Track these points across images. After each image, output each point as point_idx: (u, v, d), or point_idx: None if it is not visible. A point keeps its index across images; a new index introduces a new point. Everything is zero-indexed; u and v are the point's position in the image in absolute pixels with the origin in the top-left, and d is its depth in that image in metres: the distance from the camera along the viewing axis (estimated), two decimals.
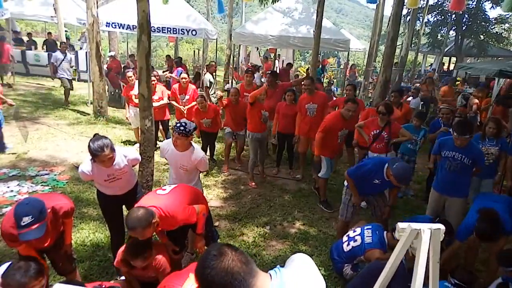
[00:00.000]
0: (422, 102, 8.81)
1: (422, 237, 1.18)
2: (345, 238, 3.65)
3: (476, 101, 8.35)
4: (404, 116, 6.38)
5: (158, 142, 6.80)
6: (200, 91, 8.07)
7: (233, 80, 13.48)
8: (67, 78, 9.72)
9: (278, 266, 1.37)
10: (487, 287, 3.42)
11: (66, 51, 10.02)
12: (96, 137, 2.94)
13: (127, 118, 7.23)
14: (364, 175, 3.83)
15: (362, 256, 3.41)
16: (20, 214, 2.19)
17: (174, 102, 6.59)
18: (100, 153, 2.82)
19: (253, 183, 5.81)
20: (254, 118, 5.70)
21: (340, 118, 4.83)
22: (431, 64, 24.02)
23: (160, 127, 7.11)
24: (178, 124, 3.35)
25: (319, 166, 5.17)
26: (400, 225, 1.21)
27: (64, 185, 5.30)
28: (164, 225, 2.81)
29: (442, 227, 1.19)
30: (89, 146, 2.86)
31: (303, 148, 6.15)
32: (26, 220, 2.18)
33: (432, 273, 1.25)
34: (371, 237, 3.44)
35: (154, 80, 6.13)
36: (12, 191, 4.95)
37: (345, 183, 4.11)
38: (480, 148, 4.19)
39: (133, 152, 3.35)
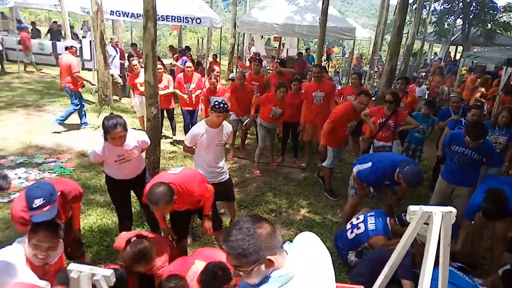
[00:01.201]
0: (427, 91, 8.74)
1: (433, 220, 1.18)
2: (348, 226, 3.67)
3: (482, 89, 8.26)
4: (410, 104, 6.34)
5: (163, 131, 6.83)
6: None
7: (238, 69, 13.41)
8: (119, 75, 9.64)
9: (287, 242, 1.39)
10: (491, 274, 3.44)
11: (117, 46, 9.92)
12: (111, 115, 3.04)
13: (132, 106, 7.24)
14: (375, 180, 3.83)
15: (366, 243, 3.42)
16: (31, 197, 2.22)
17: (178, 91, 6.57)
18: (114, 129, 2.91)
19: (258, 171, 5.82)
20: (265, 108, 5.65)
21: (351, 109, 4.78)
22: (436, 53, 23.72)
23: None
24: (217, 103, 3.42)
25: (325, 156, 5.16)
26: (412, 208, 1.21)
27: (71, 172, 5.34)
28: (180, 202, 2.83)
29: (453, 210, 1.19)
30: (103, 123, 2.96)
31: (308, 137, 6.14)
32: (38, 202, 2.20)
33: (442, 256, 1.25)
34: (374, 224, 3.45)
35: (160, 68, 6.11)
36: (20, 178, 5.00)
37: (351, 181, 4.11)
38: (491, 144, 4.09)
39: (144, 135, 3.39)
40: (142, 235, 2.80)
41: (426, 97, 8.38)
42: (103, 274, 1.10)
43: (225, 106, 3.44)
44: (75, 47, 7.33)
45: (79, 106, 7.14)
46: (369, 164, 3.82)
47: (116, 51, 9.66)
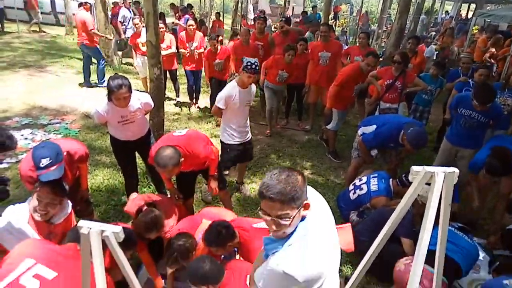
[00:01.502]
0: (437, 52, 8.49)
1: (435, 180, 1.19)
2: (351, 187, 3.72)
3: (493, 49, 8.01)
4: (418, 65, 6.19)
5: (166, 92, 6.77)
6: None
7: (241, 28, 13.01)
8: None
9: None
10: (491, 234, 3.53)
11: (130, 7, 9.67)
12: (116, 75, 3.03)
13: (134, 67, 7.14)
14: (380, 143, 3.81)
15: (368, 203, 3.48)
16: (38, 157, 2.25)
17: (182, 50, 6.45)
18: (118, 90, 2.89)
19: (268, 131, 5.85)
20: (272, 71, 5.54)
21: (358, 71, 4.67)
22: (447, 12, 22.77)
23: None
24: (249, 64, 3.41)
25: (330, 118, 5.13)
26: (414, 168, 1.22)
27: (76, 133, 5.38)
28: (186, 164, 2.87)
29: (456, 170, 1.20)
30: (108, 83, 2.94)
31: (313, 99, 6.07)
32: (45, 162, 2.24)
33: (442, 216, 1.28)
34: (377, 185, 3.49)
35: (162, 28, 5.95)
36: (26, 139, 5.05)
37: (355, 144, 4.10)
38: (499, 106, 3.99)
39: (147, 97, 3.37)
40: (152, 203, 2.85)
41: (435, 57, 8.16)
42: (113, 231, 1.14)
43: (257, 67, 3.43)
44: (89, 3, 7.25)
45: (105, 60, 7.30)
46: (374, 126, 3.81)
47: (131, 12, 9.38)
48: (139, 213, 2.71)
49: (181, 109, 6.78)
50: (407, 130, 3.47)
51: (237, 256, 2.74)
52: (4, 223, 2.18)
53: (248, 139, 3.90)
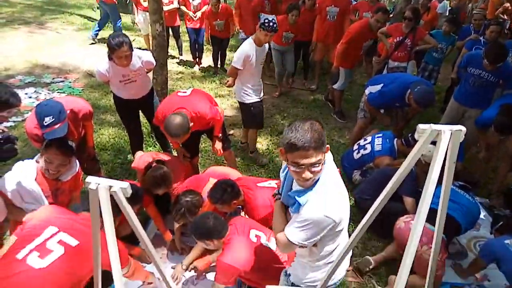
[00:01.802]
0: (450, 8, 8.11)
1: (442, 138, 1.18)
2: (355, 147, 3.73)
3: (507, 4, 7.62)
4: (430, 22, 5.96)
5: (169, 50, 6.63)
6: None
7: None
8: None
9: None
10: (494, 193, 3.57)
11: None
12: (116, 33, 2.96)
13: (136, 24, 6.95)
14: (386, 102, 3.74)
15: (371, 163, 3.51)
16: (41, 115, 2.27)
17: (184, 8, 6.22)
18: (119, 48, 2.82)
19: (277, 93, 5.79)
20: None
21: (367, 28, 4.49)
22: None
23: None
24: (267, 21, 3.25)
25: (336, 77, 5.03)
26: (421, 126, 1.20)
27: (80, 92, 5.35)
28: (194, 127, 2.88)
29: (463, 128, 1.18)
30: (108, 41, 2.87)
31: (320, 56, 5.91)
32: (48, 120, 2.26)
33: (446, 175, 1.28)
34: (381, 145, 3.49)
35: None
36: (30, 97, 5.04)
37: (361, 104, 4.04)
38: (510, 66, 3.82)
39: (149, 55, 3.29)
40: (161, 160, 2.89)
41: (447, 14, 7.81)
42: (120, 186, 1.16)
43: (275, 25, 3.25)
44: None
45: (121, 20, 7.37)
46: (381, 85, 3.74)
47: None
48: (148, 169, 2.76)
49: (185, 68, 6.67)
50: (414, 89, 3.41)
51: (242, 214, 2.81)
52: (12, 179, 2.23)
53: (262, 97, 3.85)
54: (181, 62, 6.91)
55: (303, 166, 1.35)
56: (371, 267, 2.74)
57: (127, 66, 3.02)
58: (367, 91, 3.91)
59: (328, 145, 1.41)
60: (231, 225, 2.32)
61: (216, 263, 2.25)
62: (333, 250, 1.61)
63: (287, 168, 1.58)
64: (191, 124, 2.77)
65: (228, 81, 3.75)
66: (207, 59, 6.98)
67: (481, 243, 3.07)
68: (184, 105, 2.85)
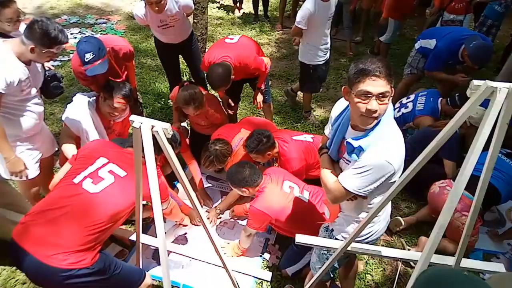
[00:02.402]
0: None
1: (496, 96, 1.10)
2: (397, 105, 3.57)
3: None
4: None
5: None
6: None
7: None
8: None
9: None
10: None
11: None
12: None
13: None
14: (437, 60, 3.46)
15: (411, 122, 3.37)
16: (82, 51, 2.32)
17: None
18: None
19: None
20: None
21: None
22: None
23: None
24: None
25: (384, 29, 4.71)
26: (475, 82, 1.12)
27: (121, 34, 5.41)
28: (235, 74, 2.86)
29: None
30: None
31: (368, 5, 5.51)
32: (88, 56, 2.31)
33: (496, 137, 1.20)
34: (423, 104, 3.33)
35: None
36: (75, 38, 5.17)
37: (409, 58, 3.78)
38: None
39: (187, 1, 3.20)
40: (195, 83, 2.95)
41: None
42: (162, 126, 1.20)
43: None
44: None
45: None
46: (434, 41, 3.46)
47: None
48: (181, 88, 2.81)
49: (225, 13, 6.50)
50: (469, 44, 3.15)
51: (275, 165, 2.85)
52: (73, 110, 2.38)
53: (327, 58, 3.64)
54: (221, 7, 6.73)
55: (371, 96, 1.30)
56: (401, 227, 2.74)
57: (159, 13, 2.96)
58: (417, 45, 3.65)
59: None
60: (266, 174, 2.37)
61: (248, 208, 2.34)
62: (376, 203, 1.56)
63: (338, 120, 1.55)
64: (233, 76, 2.76)
65: (295, 39, 3.63)
66: (248, 4, 6.75)
67: None
68: (230, 53, 2.81)
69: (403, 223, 2.73)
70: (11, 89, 1.92)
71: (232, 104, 3.23)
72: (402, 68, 4.03)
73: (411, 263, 2.51)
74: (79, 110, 2.40)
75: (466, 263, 1.57)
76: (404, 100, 3.53)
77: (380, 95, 1.30)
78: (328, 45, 3.55)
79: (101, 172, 1.74)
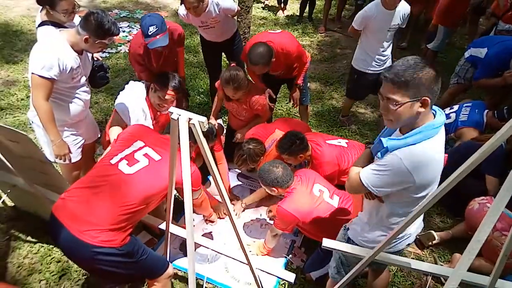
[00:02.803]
0: None
1: None
2: None
3: None
4: None
5: None
6: None
7: None
8: None
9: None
10: None
11: None
12: None
13: None
14: (486, 70, 3.30)
15: (453, 133, 3.22)
16: (146, 24, 2.44)
17: None
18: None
19: None
20: None
21: None
22: None
23: None
24: None
25: (433, 36, 4.53)
26: None
27: None
28: (276, 64, 2.82)
29: None
30: None
31: (418, 10, 5.32)
32: (152, 29, 2.43)
33: None
34: (467, 115, 3.17)
35: None
36: (124, 31, 5.41)
37: (457, 67, 3.60)
38: None
39: (229, 2, 3.20)
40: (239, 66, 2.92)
41: None
42: (199, 120, 1.25)
43: None
44: None
45: None
46: (485, 49, 3.29)
47: None
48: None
49: (269, 14, 6.53)
50: None
51: None
52: (125, 97, 2.49)
53: (379, 71, 3.40)
54: (266, 7, 6.77)
55: (381, 97, 1.34)
56: (434, 242, 2.64)
57: (197, 16, 2.99)
58: (467, 54, 3.49)
59: (427, 98, 1.26)
60: (296, 176, 2.36)
61: (276, 209, 2.34)
62: (401, 216, 1.53)
63: None
64: (273, 59, 2.72)
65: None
66: (292, 5, 6.74)
67: None
68: (273, 39, 2.80)
69: (436, 237, 2.62)
70: (63, 76, 2.05)
71: (274, 97, 3.18)
72: (448, 77, 3.86)
73: (442, 279, 2.41)
74: (133, 96, 2.50)
75: (502, 284, 1.49)
76: (447, 110, 3.38)
77: (387, 99, 1.31)
78: (385, 59, 3.37)
79: (137, 155, 1.80)
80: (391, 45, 3.36)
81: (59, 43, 2.05)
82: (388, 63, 3.41)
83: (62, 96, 2.18)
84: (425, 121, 1.34)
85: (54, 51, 1.99)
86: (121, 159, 1.77)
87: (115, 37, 2.15)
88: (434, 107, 1.38)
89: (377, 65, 3.37)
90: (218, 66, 3.69)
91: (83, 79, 2.26)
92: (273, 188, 2.33)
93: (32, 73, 1.97)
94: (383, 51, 3.32)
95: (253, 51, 2.66)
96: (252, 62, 2.68)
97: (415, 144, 1.33)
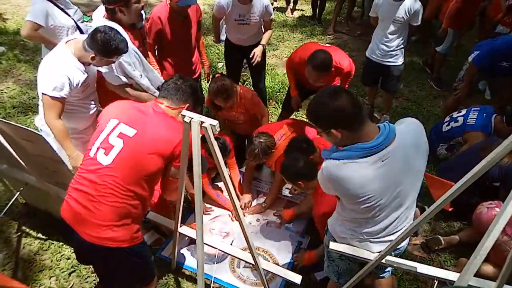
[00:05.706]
0: None
1: None
2: (447, 119, 3.43)
3: None
4: None
5: None
6: None
7: None
8: None
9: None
10: None
11: None
12: None
13: None
14: (491, 59, 3.31)
15: (460, 137, 3.22)
16: None
17: None
18: None
19: None
20: None
21: None
22: None
23: None
24: None
25: (442, 40, 4.52)
26: None
27: None
28: (327, 77, 2.71)
29: None
30: None
31: (430, 14, 5.29)
32: None
33: None
34: (475, 119, 3.16)
35: None
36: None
37: (462, 71, 3.60)
38: None
39: (270, 5, 3.25)
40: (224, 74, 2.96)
41: None
42: (211, 123, 1.27)
43: None
44: None
45: None
46: (478, 52, 3.32)
47: None
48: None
49: (277, 15, 6.55)
50: None
51: None
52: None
53: (389, 63, 3.55)
54: (274, 9, 6.79)
55: None
56: (440, 246, 2.63)
57: (246, 4, 3.04)
58: (470, 58, 3.50)
59: (335, 132, 1.39)
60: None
61: (314, 217, 2.34)
62: (358, 219, 1.56)
63: None
64: (332, 69, 2.66)
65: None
66: (300, 7, 6.75)
67: None
68: (331, 51, 2.73)
69: (443, 242, 2.62)
70: (73, 92, 2.09)
71: (301, 106, 3.24)
72: (455, 80, 3.86)
73: (448, 283, 2.41)
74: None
75: None
76: (455, 114, 3.38)
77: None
78: (389, 50, 3.46)
79: (111, 138, 1.60)
80: (400, 40, 3.43)
81: (67, 59, 2.05)
82: (396, 57, 3.50)
83: (72, 107, 2.21)
84: (357, 141, 1.39)
85: (63, 69, 2.01)
86: (98, 149, 1.60)
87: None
88: (388, 125, 1.40)
89: (380, 54, 3.51)
90: (238, 72, 3.72)
91: (92, 87, 2.29)
92: (299, 183, 2.24)
93: (44, 93, 2.00)
94: (386, 41, 3.44)
95: (317, 56, 2.55)
96: (320, 67, 2.56)
97: (336, 159, 1.41)
